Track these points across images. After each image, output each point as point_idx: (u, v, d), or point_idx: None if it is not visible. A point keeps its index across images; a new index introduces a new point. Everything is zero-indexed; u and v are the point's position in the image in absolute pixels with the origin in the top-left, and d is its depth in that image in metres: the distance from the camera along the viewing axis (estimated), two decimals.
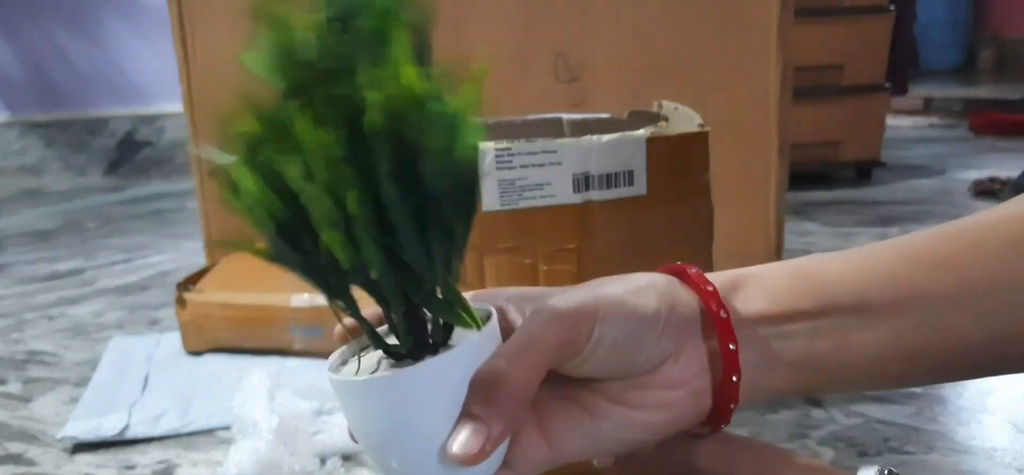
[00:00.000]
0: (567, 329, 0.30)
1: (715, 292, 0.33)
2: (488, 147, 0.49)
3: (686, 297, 0.33)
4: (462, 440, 0.28)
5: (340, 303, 0.29)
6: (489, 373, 0.29)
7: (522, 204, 0.51)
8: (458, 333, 0.31)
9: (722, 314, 0.32)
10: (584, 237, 0.52)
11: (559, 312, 0.30)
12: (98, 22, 2.17)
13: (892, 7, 1.56)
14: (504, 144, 0.50)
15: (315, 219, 0.25)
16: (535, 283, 0.52)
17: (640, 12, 1.00)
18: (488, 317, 0.31)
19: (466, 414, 0.29)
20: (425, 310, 0.30)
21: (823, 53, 1.54)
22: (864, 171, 1.67)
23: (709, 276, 0.34)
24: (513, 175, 0.50)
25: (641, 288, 0.32)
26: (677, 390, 0.32)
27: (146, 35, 2.16)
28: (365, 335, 0.31)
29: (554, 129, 0.66)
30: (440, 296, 0.29)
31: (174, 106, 2.12)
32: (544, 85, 1.02)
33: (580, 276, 0.52)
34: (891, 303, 0.32)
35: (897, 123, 2.42)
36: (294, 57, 0.26)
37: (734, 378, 0.32)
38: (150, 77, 2.18)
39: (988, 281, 0.32)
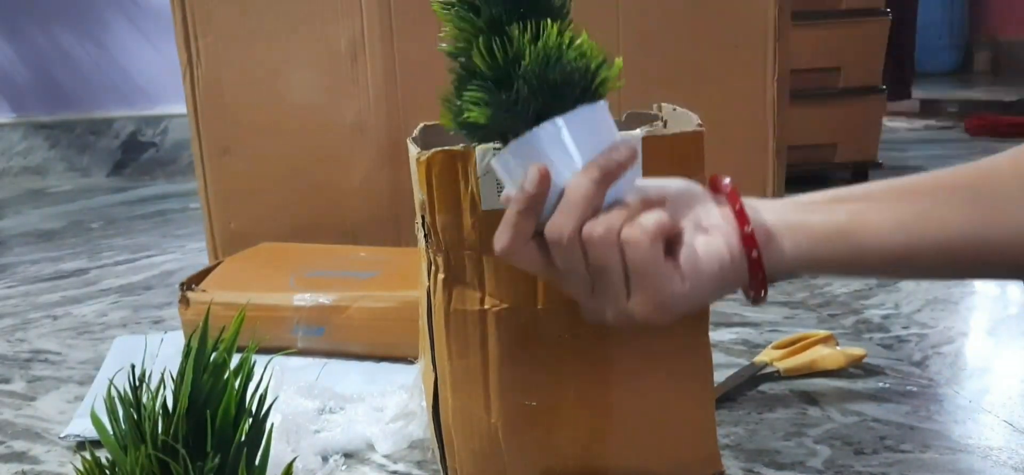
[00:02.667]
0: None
1: (735, 191, 0.45)
2: (487, 147, 0.50)
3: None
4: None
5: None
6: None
7: None
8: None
9: (738, 205, 0.44)
10: None
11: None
12: (102, 23, 2.18)
13: (888, 10, 1.57)
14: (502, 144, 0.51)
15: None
16: (533, 284, 0.53)
17: (639, 15, 1.01)
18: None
19: None
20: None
21: (820, 56, 1.55)
22: (860, 173, 1.67)
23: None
24: None
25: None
26: (721, 225, 0.44)
27: (150, 36, 2.17)
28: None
29: None
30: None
31: (178, 107, 2.13)
32: None
33: None
34: (886, 196, 0.42)
35: (893, 125, 2.43)
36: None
37: (747, 228, 0.43)
38: (154, 78, 2.19)
39: (960, 184, 0.41)
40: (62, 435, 0.72)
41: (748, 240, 0.42)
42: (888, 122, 2.40)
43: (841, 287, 1.02)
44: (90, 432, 0.72)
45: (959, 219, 0.40)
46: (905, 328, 0.88)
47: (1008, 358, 0.81)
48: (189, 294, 0.88)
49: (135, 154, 2.23)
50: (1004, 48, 3.54)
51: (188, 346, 0.38)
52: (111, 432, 0.39)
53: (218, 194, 1.10)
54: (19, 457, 0.70)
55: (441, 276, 0.53)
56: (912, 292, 0.99)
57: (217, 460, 0.37)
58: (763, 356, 0.78)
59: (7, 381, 0.87)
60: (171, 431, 0.36)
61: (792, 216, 0.43)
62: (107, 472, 0.38)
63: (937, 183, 0.42)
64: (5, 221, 1.76)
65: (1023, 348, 0.83)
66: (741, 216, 0.43)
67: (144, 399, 0.38)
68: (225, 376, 0.39)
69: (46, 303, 1.14)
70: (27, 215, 1.81)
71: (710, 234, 0.43)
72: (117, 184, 2.15)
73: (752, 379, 0.75)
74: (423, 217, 0.53)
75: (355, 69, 1.06)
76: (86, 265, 1.34)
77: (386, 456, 0.66)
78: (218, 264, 0.97)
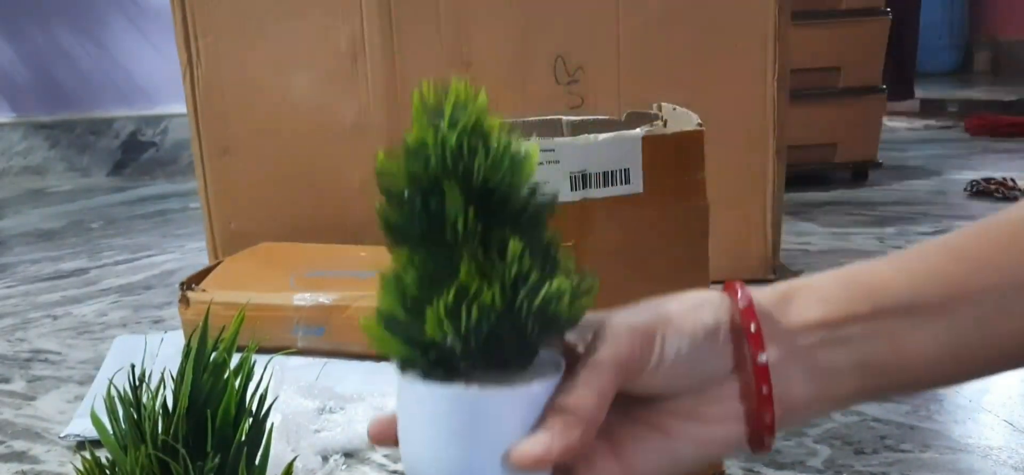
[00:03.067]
0: (630, 347, 0.31)
1: (750, 307, 0.33)
2: None
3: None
4: (523, 447, 0.29)
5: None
6: (561, 401, 0.30)
7: None
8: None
9: (752, 327, 0.33)
10: (581, 235, 0.53)
11: (621, 333, 0.31)
12: (102, 24, 2.18)
13: (888, 10, 1.57)
14: None
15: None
16: None
17: (639, 15, 1.01)
18: (558, 365, 0.31)
19: (537, 429, 0.29)
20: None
21: (820, 55, 1.55)
22: (861, 172, 1.67)
23: (762, 290, 0.34)
24: None
25: (699, 304, 0.33)
26: (748, 401, 0.33)
27: (150, 36, 2.17)
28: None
29: (553, 130, 0.67)
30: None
31: (178, 107, 2.12)
32: (544, 87, 1.03)
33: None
34: (941, 302, 0.33)
35: (893, 124, 2.43)
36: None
37: (764, 389, 0.32)
38: (154, 78, 2.19)
39: None
40: (62, 435, 0.72)
41: (757, 442, 0.33)
42: (888, 122, 2.40)
43: None
44: (90, 432, 0.72)
45: None
46: None
47: None
48: (189, 294, 0.89)
49: (135, 154, 2.23)
50: (1004, 48, 3.54)
51: (188, 346, 0.38)
52: (111, 432, 0.38)
53: (218, 194, 1.10)
54: (19, 457, 0.70)
55: None
56: None
57: (217, 460, 0.37)
58: None
59: (7, 381, 0.87)
60: (171, 431, 0.36)
61: (818, 365, 0.33)
62: (107, 472, 0.38)
63: (998, 272, 0.33)
64: (5, 221, 1.76)
65: None
66: (755, 342, 0.32)
67: (144, 399, 0.38)
68: (225, 376, 0.39)
69: (46, 303, 1.14)
70: (27, 215, 1.81)
71: (709, 425, 0.33)
72: (117, 184, 2.15)
73: None
74: None
75: (355, 69, 1.06)
76: (86, 265, 1.34)
77: (386, 456, 0.66)
78: (218, 264, 0.97)
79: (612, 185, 0.52)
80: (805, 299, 0.34)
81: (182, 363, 0.38)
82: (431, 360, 0.29)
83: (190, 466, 0.36)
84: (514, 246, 0.28)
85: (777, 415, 0.32)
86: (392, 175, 0.29)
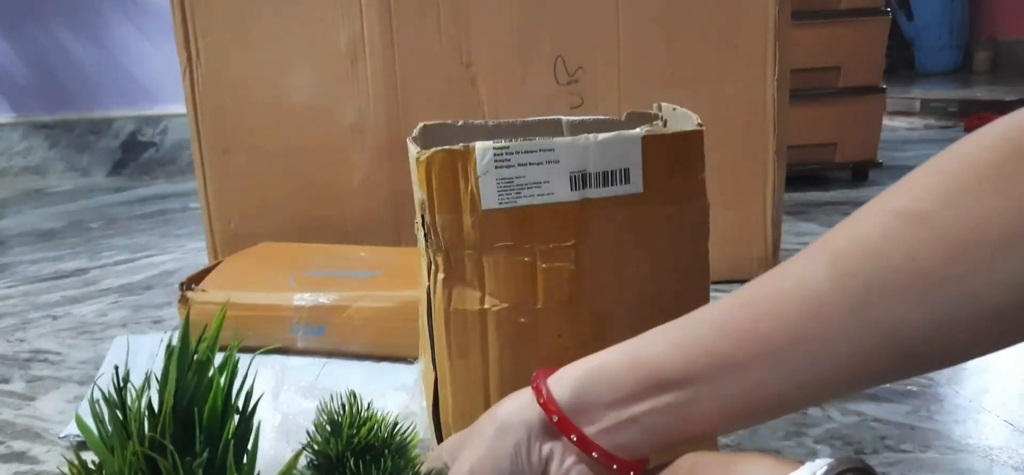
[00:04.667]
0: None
1: (549, 401, 0.41)
2: (487, 146, 0.50)
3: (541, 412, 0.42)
4: None
5: None
6: None
7: (520, 202, 0.51)
8: None
9: (554, 419, 0.41)
10: (581, 234, 0.53)
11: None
12: (102, 23, 2.18)
13: (888, 10, 1.57)
14: (502, 143, 0.51)
15: None
16: (533, 284, 0.53)
17: (638, 14, 1.01)
18: None
19: None
20: None
21: (820, 55, 1.55)
22: (861, 172, 1.67)
23: (561, 378, 0.42)
24: (511, 173, 0.51)
25: (498, 431, 0.42)
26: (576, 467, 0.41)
27: (150, 36, 2.17)
28: None
29: (553, 130, 0.67)
30: None
31: (178, 107, 2.13)
32: (544, 87, 1.03)
33: (578, 273, 0.53)
34: (712, 376, 0.38)
35: (893, 124, 2.43)
36: None
37: (595, 454, 0.40)
38: (154, 78, 2.19)
39: (788, 342, 0.37)
40: (62, 435, 0.72)
41: (583, 445, 0.40)
42: (888, 122, 2.40)
43: None
44: None
45: (794, 383, 0.37)
46: None
47: (1008, 358, 0.81)
48: (189, 294, 0.88)
49: (135, 154, 2.24)
50: (1004, 48, 3.54)
51: (170, 345, 0.38)
52: (97, 433, 0.38)
53: (218, 194, 1.10)
54: (19, 457, 0.70)
55: (441, 276, 0.53)
56: None
57: (206, 455, 0.36)
58: None
59: (7, 381, 0.87)
60: (158, 429, 0.36)
61: (615, 440, 0.40)
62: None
63: (758, 344, 0.37)
64: (5, 221, 1.76)
65: (1023, 348, 0.83)
66: (564, 427, 0.41)
67: (129, 400, 0.38)
68: (209, 374, 0.39)
69: (46, 303, 1.14)
70: (27, 215, 1.81)
71: None
72: (117, 184, 2.15)
73: None
74: (423, 217, 0.53)
75: (355, 69, 1.06)
76: (86, 265, 1.34)
77: None
78: (218, 264, 0.97)
79: (612, 185, 0.52)
80: (597, 384, 0.41)
81: (166, 362, 0.38)
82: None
83: (178, 462, 0.35)
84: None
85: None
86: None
